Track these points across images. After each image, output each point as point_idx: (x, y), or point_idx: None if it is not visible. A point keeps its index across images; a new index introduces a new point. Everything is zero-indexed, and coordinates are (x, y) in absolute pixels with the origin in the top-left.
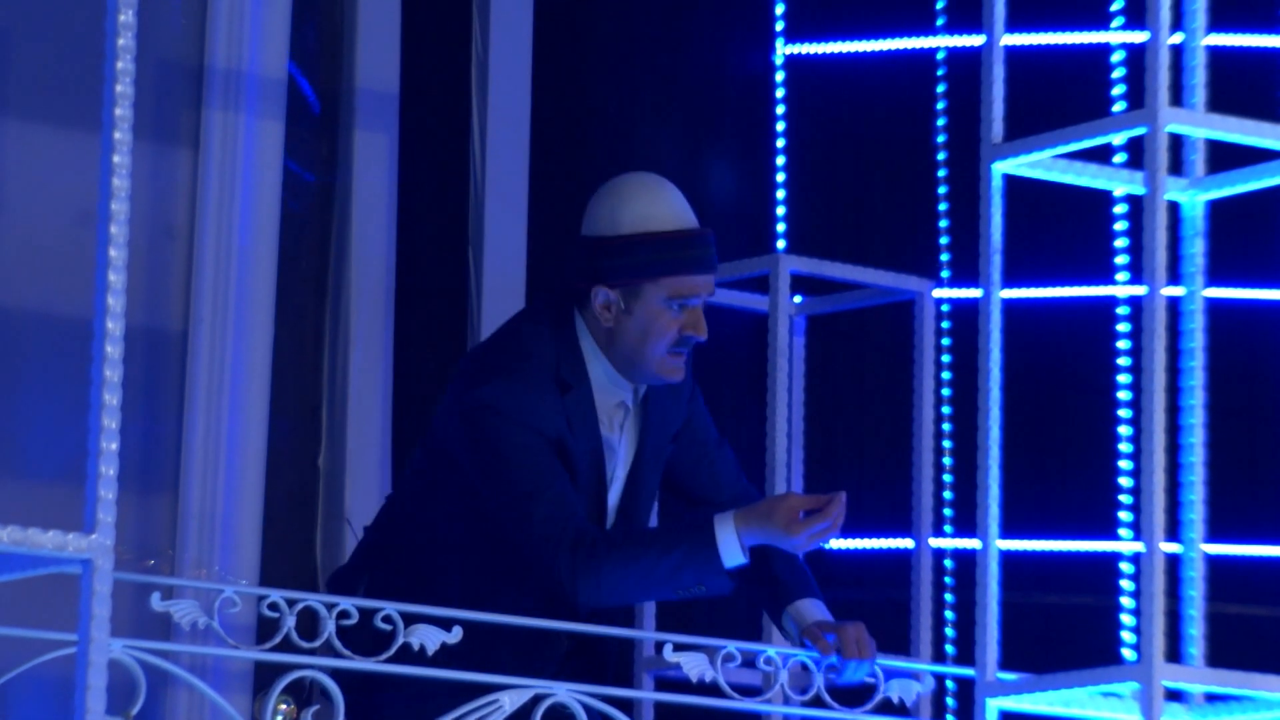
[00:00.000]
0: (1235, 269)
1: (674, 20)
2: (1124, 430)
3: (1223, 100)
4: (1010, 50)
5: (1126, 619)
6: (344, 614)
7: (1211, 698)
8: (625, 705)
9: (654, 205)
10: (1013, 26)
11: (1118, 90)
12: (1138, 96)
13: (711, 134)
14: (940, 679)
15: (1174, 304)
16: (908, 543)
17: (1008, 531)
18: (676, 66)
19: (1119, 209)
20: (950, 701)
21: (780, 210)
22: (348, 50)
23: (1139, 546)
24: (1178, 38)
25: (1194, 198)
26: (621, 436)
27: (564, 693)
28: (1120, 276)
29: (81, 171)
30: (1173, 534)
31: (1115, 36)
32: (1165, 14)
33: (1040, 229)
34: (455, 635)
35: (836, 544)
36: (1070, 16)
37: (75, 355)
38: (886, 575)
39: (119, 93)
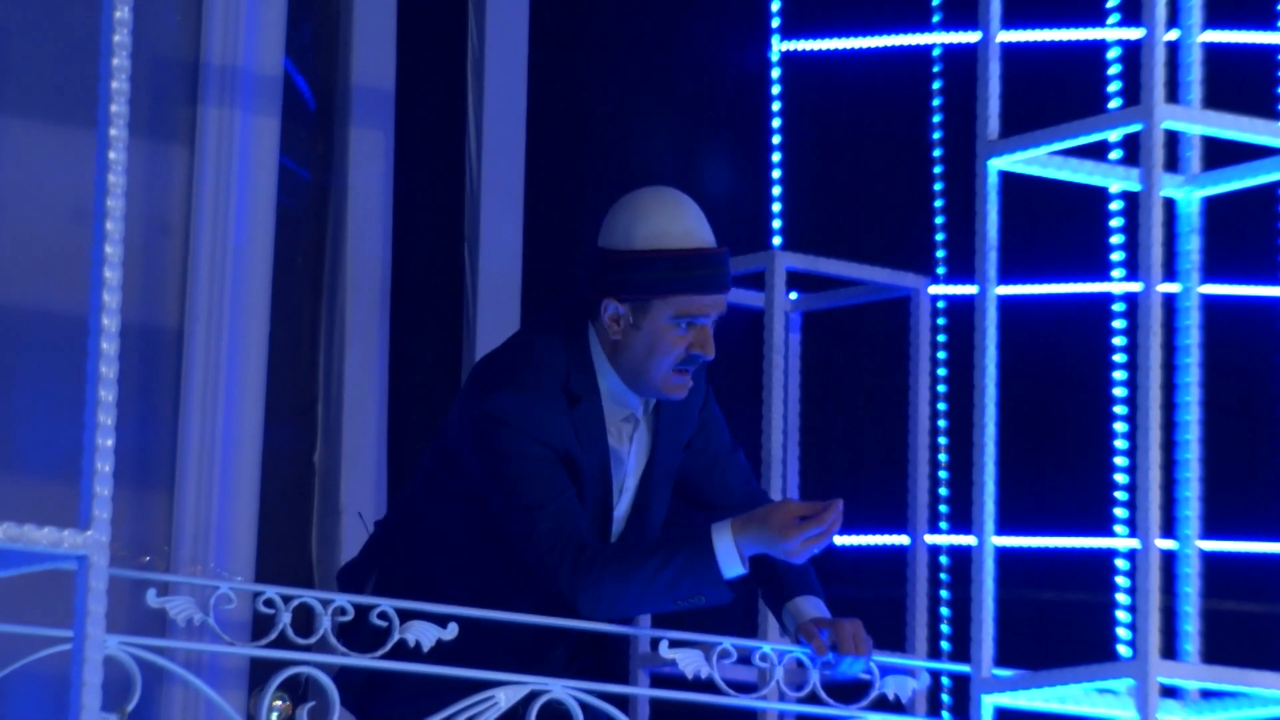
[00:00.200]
0: (1231, 266)
1: (670, 17)
2: (1119, 427)
3: (1218, 97)
4: (1006, 47)
5: (1122, 615)
6: (340, 610)
7: (1207, 694)
8: (621, 702)
9: (669, 222)
10: (1008, 23)
11: (1113, 87)
12: (1133, 93)
13: (707, 131)
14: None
15: (1170, 301)
16: (903, 539)
17: (1003, 528)
18: (672, 63)
19: (1114, 205)
20: (946, 698)
21: (776, 207)
22: (343, 47)
23: (1134, 543)
24: (1173, 34)
25: (1190, 194)
26: (631, 447)
27: (559, 689)
28: (1116, 273)
29: (77, 168)
30: (1168, 530)
31: (1111, 33)
32: (1161, 10)
33: (1036, 226)
34: (451, 632)
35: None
36: (1066, 13)
37: (71, 352)
38: (882, 572)
39: (114, 89)
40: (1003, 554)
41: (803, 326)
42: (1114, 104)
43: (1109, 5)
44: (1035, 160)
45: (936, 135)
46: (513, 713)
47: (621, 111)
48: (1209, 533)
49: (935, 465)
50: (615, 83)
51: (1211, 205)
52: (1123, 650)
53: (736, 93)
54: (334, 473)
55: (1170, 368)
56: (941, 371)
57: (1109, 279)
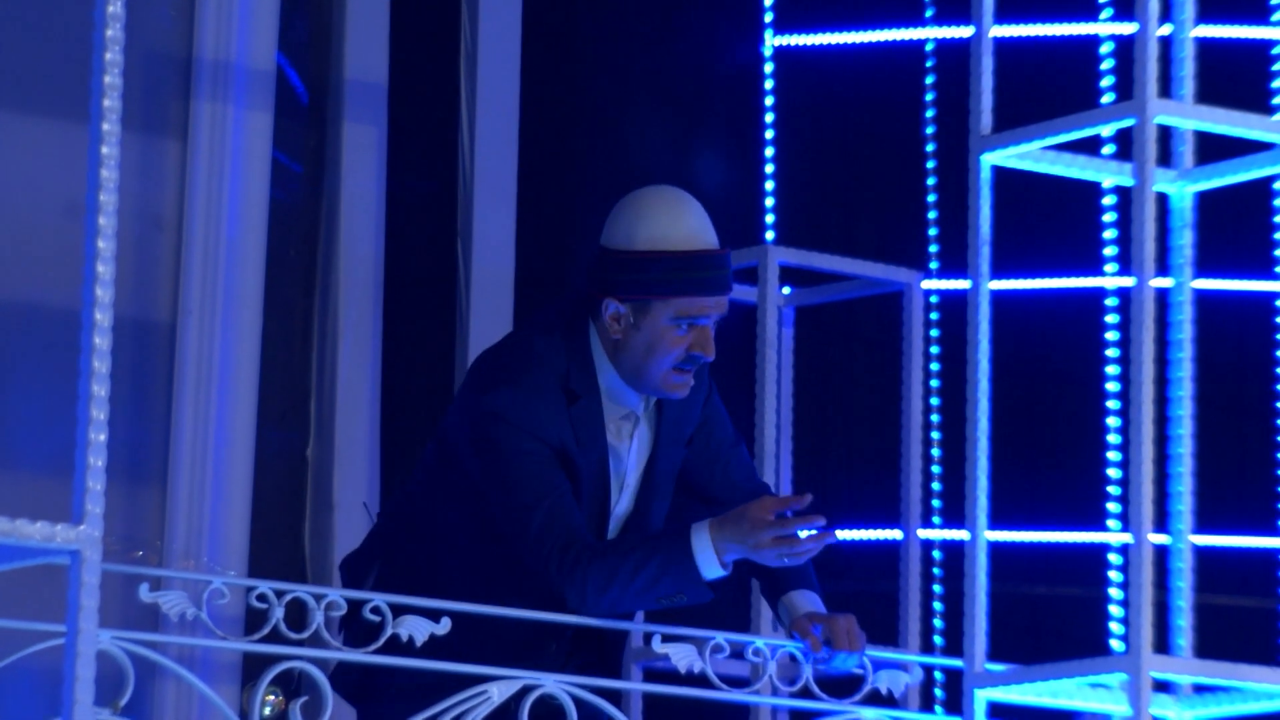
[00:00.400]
0: (1224, 261)
1: (663, 12)
2: (1112, 421)
3: (1211, 92)
4: (999, 42)
5: (1115, 610)
6: (332, 605)
7: (1199, 688)
8: (614, 696)
9: (670, 223)
10: (1001, 18)
11: (1106, 82)
12: (1126, 88)
13: (700, 125)
14: (929, 670)
15: (1162, 295)
16: (896, 534)
17: (996, 522)
18: (665, 58)
19: (1107, 200)
20: (939, 692)
21: (769, 201)
22: (336, 41)
23: (1127, 537)
24: (1166, 29)
25: (1182, 189)
26: (630, 445)
27: (552, 684)
28: (1109, 268)
29: (69, 163)
30: (1161, 525)
31: (1104, 28)
32: (1154, 6)
33: (1029, 220)
34: (444, 626)
35: None
36: (1059, 8)
37: (63, 346)
38: (875, 566)
39: (107, 84)
40: (996, 548)
41: (795, 321)
42: (1107, 99)
43: (1101, 0)
44: (1028, 155)
45: (929, 130)
46: (505, 708)
47: (615, 106)
48: (1202, 527)
49: (928, 460)
50: (608, 77)
51: (1204, 200)
52: (1116, 645)
53: (729, 87)
54: (327, 467)
55: (1163, 362)
56: (934, 366)
57: (1102, 274)
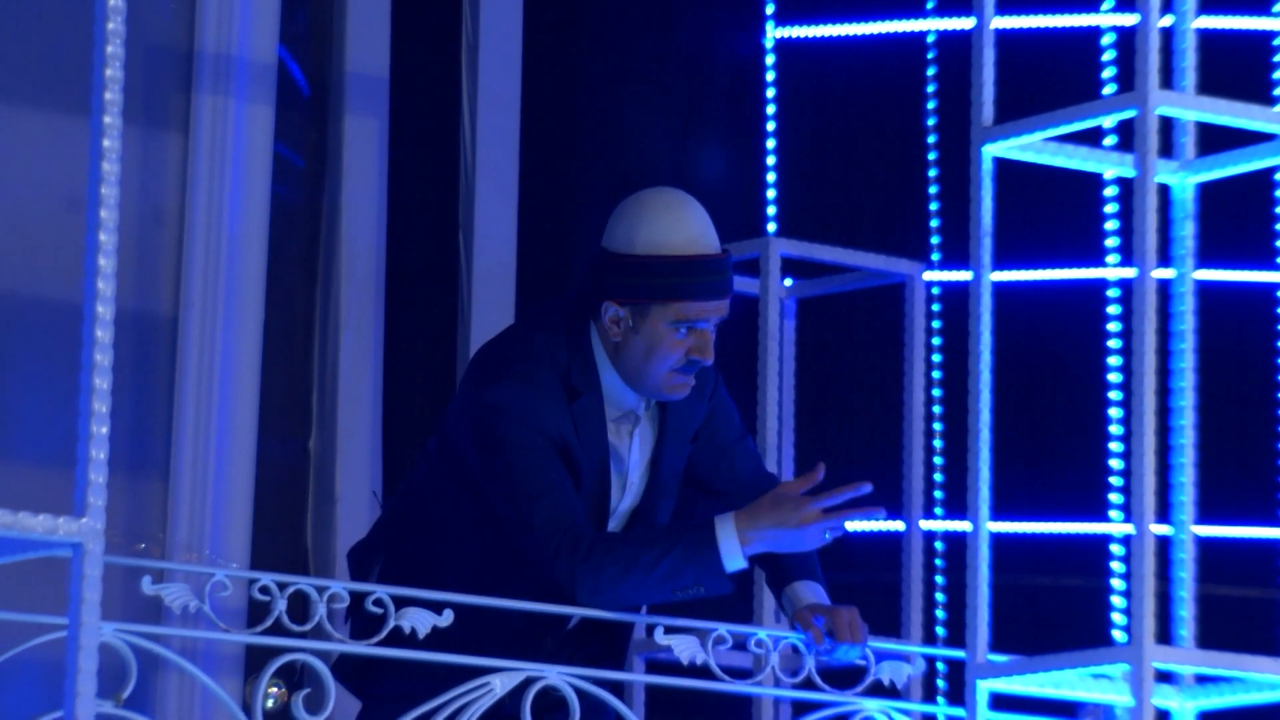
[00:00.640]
0: (1226, 251)
1: (664, 4)
2: (1114, 412)
3: (1213, 83)
4: (1000, 33)
5: (1117, 601)
6: (335, 597)
7: (1202, 679)
8: (616, 687)
9: (670, 228)
10: (1003, 9)
11: (1108, 73)
12: (1128, 79)
13: (702, 117)
14: (931, 661)
15: (1164, 286)
16: (898, 525)
17: (998, 514)
18: (667, 51)
19: (1109, 191)
20: (941, 683)
21: (770, 193)
22: (338, 34)
23: (1129, 528)
24: (1168, 20)
25: (1184, 180)
26: (630, 445)
27: (555, 675)
28: (1110, 259)
29: (71, 156)
30: (1163, 516)
31: (1105, 19)
32: None
33: (1031, 212)
34: (446, 619)
35: None
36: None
37: (65, 339)
38: (877, 557)
39: (108, 77)
40: (998, 539)
41: (798, 313)
42: (1108, 90)
43: None
44: (1030, 146)
45: (931, 121)
46: (508, 700)
47: (617, 98)
48: (1204, 518)
49: (930, 451)
50: (610, 70)
51: (1206, 191)
52: (1118, 635)
53: (731, 79)
54: (329, 460)
55: (1165, 353)
56: (936, 357)
57: (1104, 265)
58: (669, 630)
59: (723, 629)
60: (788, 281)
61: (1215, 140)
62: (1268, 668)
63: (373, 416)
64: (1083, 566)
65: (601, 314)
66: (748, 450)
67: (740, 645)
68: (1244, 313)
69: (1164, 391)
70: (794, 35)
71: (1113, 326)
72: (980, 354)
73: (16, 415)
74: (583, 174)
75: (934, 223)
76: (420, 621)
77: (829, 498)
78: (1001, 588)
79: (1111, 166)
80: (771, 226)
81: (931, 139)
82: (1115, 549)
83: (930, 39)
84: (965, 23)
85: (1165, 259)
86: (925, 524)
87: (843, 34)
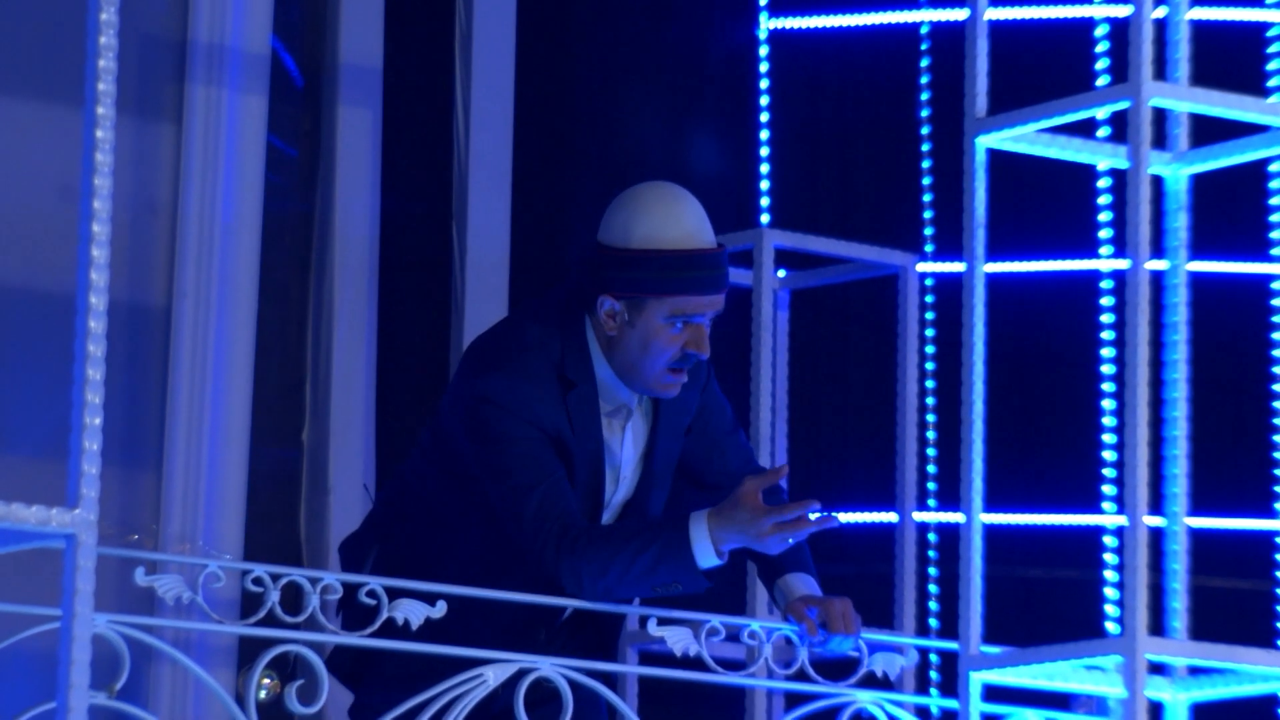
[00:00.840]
0: (1219, 243)
1: None
2: (1107, 404)
3: (1206, 74)
4: (994, 24)
5: (1110, 592)
6: (328, 589)
7: (1195, 670)
8: (609, 679)
9: (666, 222)
10: (996, 0)
11: (1101, 64)
12: (1121, 70)
13: (695, 108)
14: (924, 652)
15: (1157, 277)
16: (891, 516)
17: (991, 505)
18: (660, 41)
19: (1102, 183)
20: (934, 675)
21: (764, 185)
22: (331, 24)
23: (1122, 520)
24: (1161, 12)
25: (1177, 171)
26: (623, 438)
27: (548, 667)
28: (1104, 250)
29: (63, 146)
30: (1156, 507)
31: (1099, 10)
32: None
33: (1024, 203)
34: (440, 610)
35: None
36: None
37: (58, 330)
38: (870, 549)
39: (101, 67)
40: (991, 531)
41: (791, 304)
42: (1102, 81)
43: None
44: (1023, 137)
45: (924, 113)
46: (501, 691)
47: (609, 89)
48: (1197, 509)
49: (923, 442)
50: (603, 60)
51: (1199, 182)
52: (1111, 627)
53: (724, 70)
54: (322, 451)
55: (1158, 344)
56: (930, 349)
57: (1097, 256)
58: (662, 622)
59: (716, 620)
60: (781, 273)
61: (1209, 132)
62: (1260, 659)
63: (366, 407)
64: (1076, 558)
65: (597, 307)
66: (739, 444)
67: (733, 637)
68: (1237, 304)
69: (1157, 383)
70: (787, 26)
71: (1106, 318)
72: (973, 345)
73: (9, 406)
74: (576, 164)
75: (927, 214)
76: (413, 613)
77: (783, 514)
78: (994, 579)
79: (1105, 158)
80: (765, 218)
81: (925, 130)
82: (1108, 540)
83: (924, 30)
84: (959, 14)
85: (1159, 250)
86: (918, 515)
87: (836, 25)
